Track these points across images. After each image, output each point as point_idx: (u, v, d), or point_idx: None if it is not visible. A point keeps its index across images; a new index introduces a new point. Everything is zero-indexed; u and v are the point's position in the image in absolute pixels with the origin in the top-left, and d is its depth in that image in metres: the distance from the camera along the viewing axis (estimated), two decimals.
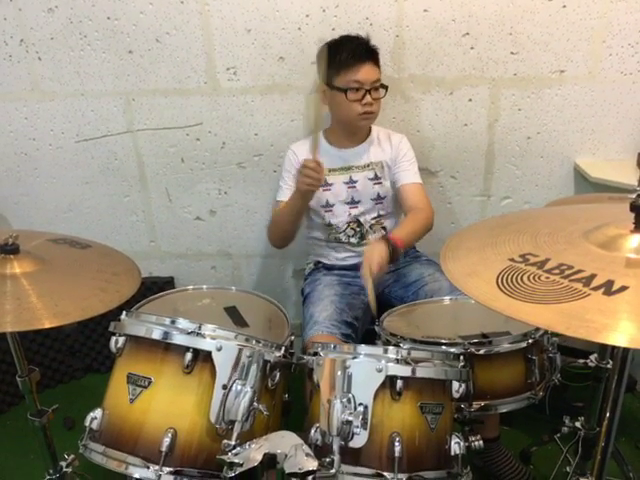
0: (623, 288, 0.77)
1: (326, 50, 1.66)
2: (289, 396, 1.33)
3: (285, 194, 1.81)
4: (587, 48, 1.84)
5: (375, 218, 1.84)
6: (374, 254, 1.52)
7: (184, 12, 1.85)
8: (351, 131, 1.80)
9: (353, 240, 1.84)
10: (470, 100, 1.93)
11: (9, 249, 1.13)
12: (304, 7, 1.83)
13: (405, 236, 1.64)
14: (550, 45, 1.84)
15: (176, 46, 1.90)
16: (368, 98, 1.67)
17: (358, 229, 1.84)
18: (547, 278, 0.83)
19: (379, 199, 1.83)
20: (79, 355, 2.30)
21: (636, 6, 1.78)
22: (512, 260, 0.90)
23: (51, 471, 1.32)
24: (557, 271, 0.83)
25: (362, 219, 1.83)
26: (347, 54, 1.64)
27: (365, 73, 1.65)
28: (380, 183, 1.82)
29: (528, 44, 1.84)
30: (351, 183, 1.80)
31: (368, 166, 1.81)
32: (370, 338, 1.57)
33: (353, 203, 1.82)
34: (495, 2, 1.79)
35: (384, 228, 1.85)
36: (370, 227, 1.84)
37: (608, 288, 0.77)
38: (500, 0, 1.79)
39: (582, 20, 1.80)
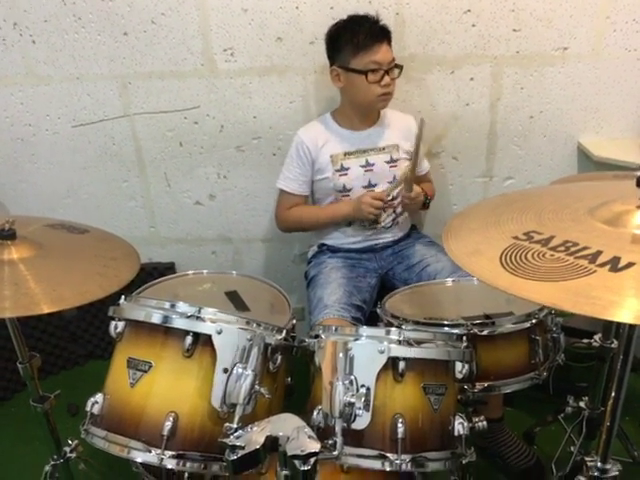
0: (630, 264, 0.75)
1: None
2: (292, 379, 1.32)
3: (291, 187, 1.80)
4: (590, 24, 1.80)
5: (389, 201, 1.80)
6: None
7: None
8: (365, 113, 1.77)
9: (365, 222, 1.82)
10: (472, 79, 1.90)
11: (6, 234, 1.13)
12: None
13: (428, 189, 1.86)
14: (553, 22, 1.80)
15: (172, 27, 1.87)
16: (387, 79, 1.64)
17: None
18: (552, 255, 0.81)
19: (395, 181, 1.79)
20: (81, 341, 2.30)
21: None
22: (516, 238, 0.89)
23: (55, 457, 1.33)
24: (562, 248, 0.82)
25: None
26: (364, 35, 1.60)
27: (383, 54, 1.62)
28: (396, 166, 1.79)
29: (531, 21, 1.81)
30: (368, 166, 1.77)
31: (384, 149, 1.78)
32: (373, 321, 1.56)
33: (370, 186, 1.79)
34: None
35: (395, 212, 1.82)
36: (384, 210, 1.81)
37: (614, 265, 0.76)
38: None
39: None
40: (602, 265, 0.76)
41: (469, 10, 1.80)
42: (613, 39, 1.82)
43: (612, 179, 1.44)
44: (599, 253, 0.79)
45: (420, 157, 1.71)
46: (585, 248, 0.81)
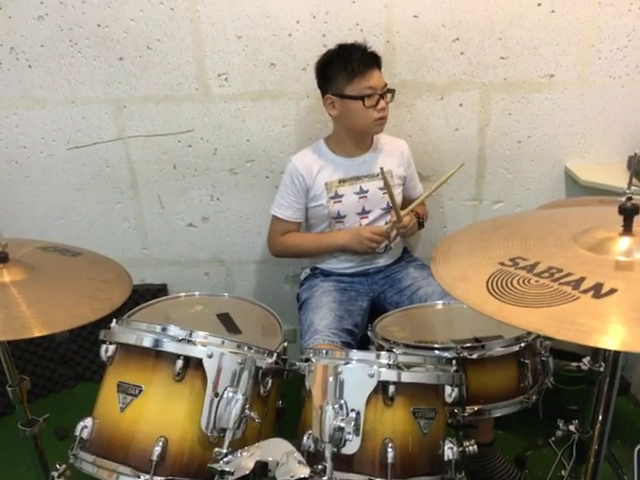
0: (612, 291, 0.77)
1: None
2: (283, 402, 1.32)
3: (285, 213, 1.80)
4: (576, 53, 1.85)
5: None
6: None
7: (174, 19, 1.86)
8: (360, 139, 1.79)
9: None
10: (461, 105, 1.94)
11: None
12: (294, 13, 1.84)
13: (421, 210, 1.91)
14: (539, 50, 1.85)
15: (167, 53, 1.90)
16: (382, 103, 1.66)
17: None
18: (537, 281, 0.83)
19: (388, 208, 1.80)
20: (71, 364, 2.29)
21: (624, 10, 1.79)
22: (502, 264, 0.90)
23: None
24: (547, 274, 0.84)
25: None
26: (357, 62, 1.62)
27: (376, 79, 1.65)
28: None
29: (518, 49, 1.85)
30: (362, 193, 1.78)
31: (377, 175, 1.78)
32: (364, 344, 1.56)
33: (364, 213, 1.80)
34: (484, 7, 1.81)
35: (388, 236, 1.84)
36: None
37: (597, 291, 0.77)
38: (489, 5, 1.80)
39: (571, 25, 1.82)
40: (585, 291, 0.78)
41: (458, 38, 1.85)
42: (598, 67, 1.87)
43: (598, 204, 1.47)
44: (582, 279, 0.80)
45: (397, 205, 1.71)
46: (569, 274, 0.82)
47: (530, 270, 0.86)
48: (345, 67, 1.63)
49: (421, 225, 1.87)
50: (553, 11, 1.80)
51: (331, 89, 1.68)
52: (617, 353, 0.96)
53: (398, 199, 1.83)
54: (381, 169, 1.65)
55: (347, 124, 1.74)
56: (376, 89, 1.65)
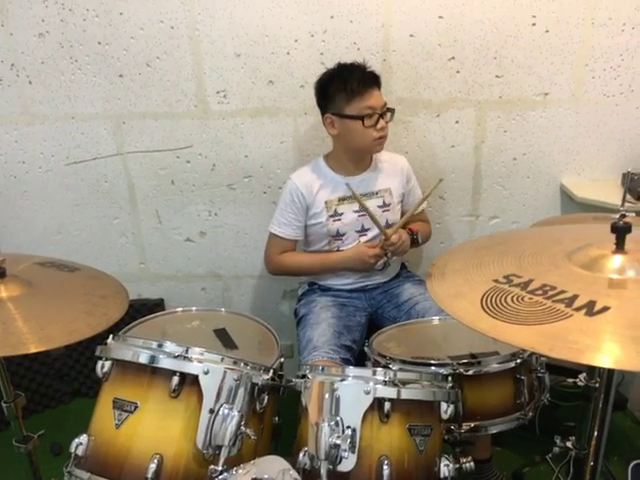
0: (605, 309, 0.78)
1: None
2: (279, 419, 1.32)
3: (283, 231, 1.80)
4: (570, 71, 1.88)
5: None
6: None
7: (174, 37, 1.88)
8: (360, 158, 1.79)
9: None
10: (457, 122, 1.96)
11: None
12: (293, 32, 1.86)
13: (420, 227, 1.88)
14: (534, 69, 1.88)
15: (166, 70, 1.92)
16: (382, 123, 1.67)
17: None
18: (530, 299, 0.84)
19: (387, 226, 1.81)
20: (67, 379, 2.28)
21: (617, 30, 1.82)
22: (496, 281, 0.91)
23: None
24: (540, 292, 0.85)
25: None
26: (357, 82, 1.62)
27: (376, 99, 1.65)
28: (389, 210, 1.82)
29: (512, 68, 1.88)
30: (361, 211, 1.77)
31: (377, 194, 1.80)
32: (361, 360, 1.56)
33: (363, 231, 1.80)
34: (480, 27, 1.83)
35: (386, 254, 1.84)
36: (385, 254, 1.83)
37: (590, 309, 0.78)
38: (484, 25, 1.83)
39: (565, 44, 1.84)
40: (578, 309, 0.79)
41: (453, 57, 1.88)
42: (592, 85, 1.90)
43: (592, 221, 1.48)
44: (575, 297, 0.81)
45: (380, 224, 1.71)
46: (562, 292, 0.83)
47: (524, 287, 0.87)
48: (345, 87, 1.64)
49: (415, 242, 1.84)
50: (547, 31, 1.83)
51: (330, 109, 1.69)
52: (611, 370, 0.96)
53: (397, 216, 1.84)
54: (347, 184, 1.69)
55: (347, 143, 1.74)
56: (375, 109, 1.65)
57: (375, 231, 1.81)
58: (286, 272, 1.92)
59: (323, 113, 1.73)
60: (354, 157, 1.78)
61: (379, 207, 1.80)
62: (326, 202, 1.77)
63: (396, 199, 1.83)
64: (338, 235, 1.80)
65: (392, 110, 1.72)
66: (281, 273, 1.94)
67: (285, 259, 1.84)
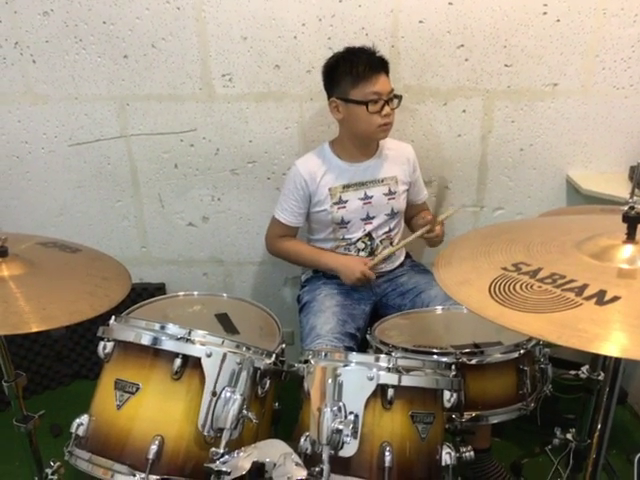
0: (615, 298, 0.77)
1: None
2: (279, 404, 1.32)
3: (287, 217, 1.79)
4: (580, 62, 1.86)
5: (386, 232, 1.83)
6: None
7: (180, 18, 1.86)
8: (365, 144, 1.77)
9: (363, 254, 1.82)
10: (464, 111, 1.94)
11: None
12: (300, 16, 1.84)
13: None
14: (544, 58, 1.86)
15: (171, 52, 1.90)
16: (387, 109, 1.63)
17: (369, 243, 1.82)
18: (539, 287, 0.83)
19: (392, 214, 1.81)
20: (67, 361, 2.28)
21: (629, 21, 1.80)
22: (505, 269, 0.90)
23: (37, 478, 1.30)
24: (549, 280, 0.84)
25: (374, 234, 1.82)
26: (363, 66, 1.60)
27: (382, 84, 1.62)
28: (394, 198, 1.80)
29: (522, 57, 1.86)
30: (367, 199, 1.77)
31: (382, 181, 1.78)
32: (363, 347, 1.56)
33: (368, 219, 1.79)
34: (490, 15, 1.81)
35: (392, 243, 1.83)
36: (380, 241, 1.82)
37: (600, 298, 0.77)
38: (495, 13, 1.81)
39: (575, 34, 1.82)
40: (588, 298, 0.78)
41: (462, 45, 1.85)
42: (602, 77, 1.88)
43: (599, 213, 1.47)
44: (585, 286, 0.80)
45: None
46: (572, 281, 0.82)
47: (533, 276, 0.86)
48: (351, 71, 1.61)
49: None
50: (558, 20, 1.81)
51: (336, 92, 1.67)
52: (618, 361, 0.96)
53: (402, 205, 1.84)
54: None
55: (351, 129, 1.72)
56: (381, 94, 1.62)
57: (381, 219, 1.80)
58: (282, 257, 1.92)
59: (329, 97, 1.71)
60: (359, 143, 1.76)
61: (384, 195, 1.79)
62: (330, 189, 1.76)
63: (402, 187, 1.82)
64: (343, 223, 1.79)
65: (399, 97, 1.69)
66: (278, 256, 1.93)
67: (283, 245, 1.84)
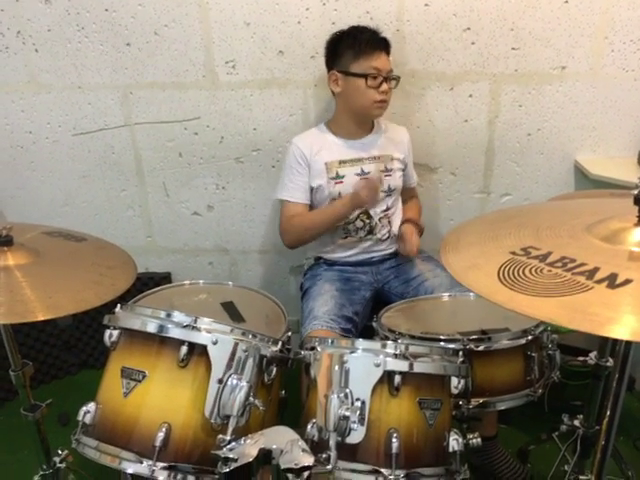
0: (627, 281, 0.75)
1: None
2: (285, 392, 1.32)
3: (295, 195, 1.77)
4: (589, 44, 1.83)
5: (384, 211, 1.82)
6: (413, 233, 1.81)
7: (183, 5, 1.84)
8: (361, 120, 1.78)
9: (361, 233, 1.82)
10: (470, 96, 1.92)
11: (2, 241, 1.12)
12: (304, 1, 1.82)
13: (415, 214, 1.93)
14: (551, 41, 1.83)
15: (174, 39, 1.88)
16: (385, 86, 1.67)
17: (367, 221, 1.81)
18: (549, 271, 0.81)
19: (389, 191, 1.81)
20: (74, 350, 2.28)
21: (638, 2, 1.76)
22: (514, 253, 0.89)
23: (45, 467, 1.31)
24: (560, 264, 0.82)
25: (372, 211, 1.81)
26: (365, 42, 1.65)
27: (382, 61, 1.67)
28: (390, 175, 1.81)
29: (529, 40, 1.83)
30: (363, 174, 1.76)
31: (378, 158, 1.79)
32: (368, 335, 1.55)
33: None
34: None
35: (390, 222, 1.83)
36: (379, 220, 1.82)
37: (612, 281, 0.76)
38: None
39: (584, 16, 1.79)
40: (599, 282, 0.76)
41: (469, 28, 1.83)
42: (611, 59, 1.84)
43: (609, 197, 1.45)
44: (596, 270, 0.79)
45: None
46: (582, 264, 0.81)
47: (543, 260, 0.84)
48: (353, 45, 1.65)
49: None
50: (566, 1, 1.77)
51: (337, 65, 1.70)
52: (628, 346, 0.94)
53: (399, 183, 1.85)
54: None
55: (348, 102, 1.74)
56: (381, 71, 1.66)
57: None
58: (302, 236, 1.80)
59: (329, 70, 1.73)
60: (355, 119, 1.78)
61: (381, 171, 1.79)
62: (326, 163, 1.76)
63: (397, 165, 1.83)
64: (340, 198, 1.76)
65: (397, 78, 1.72)
66: (298, 240, 1.81)
67: (295, 222, 1.77)
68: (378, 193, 1.68)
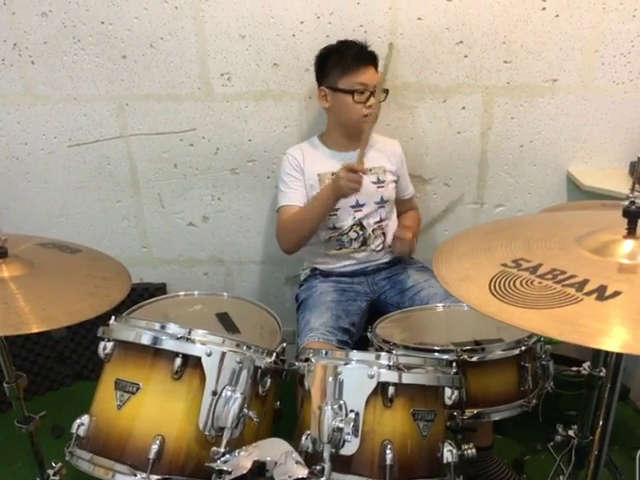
0: (616, 293, 0.76)
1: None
2: (280, 404, 1.31)
3: (291, 198, 1.78)
4: (579, 57, 1.85)
5: (377, 222, 1.83)
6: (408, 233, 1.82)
7: (178, 18, 1.85)
8: (351, 134, 1.79)
9: (355, 245, 1.82)
10: (463, 108, 1.94)
11: None
12: (299, 14, 1.84)
13: (412, 222, 1.93)
14: (543, 54, 1.85)
15: (170, 51, 1.90)
16: (372, 100, 1.68)
17: (361, 232, 1.82)
18: (540, 283, 0.82)
19: (382, 202, 1.83)
20: (69, 362, 2.28)
21: (628, 16, 1.79)
22: (505, 265, 0.89)
23: (38, 479, 1.30)
24: (550, 276, 0.83)
25: (365, 222, 1.82)
26: (352, 58, 1.67)
27: (369, 76, 1.68)
28: (383, 187, 1.82)
29: (521, 53, 1.85)
30: None
31: (370, 170, 1.80)
32: (363, 345, 1.56)
33: (358, 206, 1.80)
34: (489, 11, 1.80)
35: (384, 234, 1.84)
36: (372, 231, 1.83)
37: (601, 293, 0.77)
38: (494, 9, 1.80)
39: (575, 30, 1.82)
40: (589, 294, 0.77)
41: (461, 41, 1.85)
42: (601, 72, 1.87)
43: (600, 208, 1.46)
44: (586, 282, 0.80)
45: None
46: (572, 276, 0.82)
47: (533, 272, 0.85)
48: (339, 61, 1.68)
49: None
50: (557, 15, 1.80)
51: (325, 82, 1.73)
52: (619, 357, 0.95)
53: (392, 194, 1.86)
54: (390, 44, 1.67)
55: (337, 117, 1.78)
56: (367, 86, 1.67)
57: (370, 207, 1.81)
58: (295, 234, 1.77)
59: (319, 86, 1.76)
60: (345, 132, 1.80)
61: (373, 183, 1.80)
62: (319, 175, 1.78)
63: (390, 177, 1.85)
64: (333, 210, 1.77)
65: (386, 91, 1.74)
66: (293, 241, 1.78)
67: (288, 222, 1.76)
68: (360, 182, 1.62)
